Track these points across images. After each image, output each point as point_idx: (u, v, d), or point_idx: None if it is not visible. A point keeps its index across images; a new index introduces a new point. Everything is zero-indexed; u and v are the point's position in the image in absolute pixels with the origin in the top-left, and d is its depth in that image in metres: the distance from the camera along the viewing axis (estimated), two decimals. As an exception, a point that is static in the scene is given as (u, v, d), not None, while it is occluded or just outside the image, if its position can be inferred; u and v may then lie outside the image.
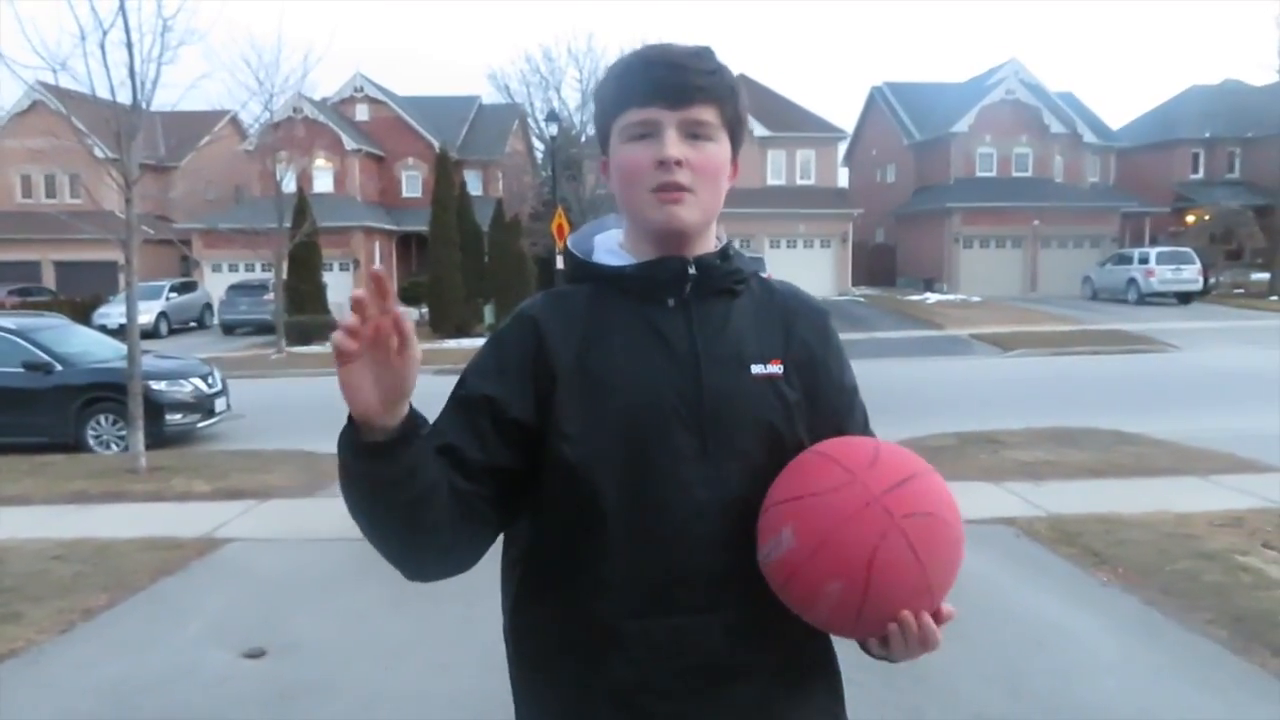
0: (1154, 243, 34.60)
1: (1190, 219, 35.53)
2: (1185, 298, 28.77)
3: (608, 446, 1.23)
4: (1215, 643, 4.14)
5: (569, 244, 1.42)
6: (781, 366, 1.31)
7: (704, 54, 1.29)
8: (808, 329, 1.37)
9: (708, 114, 1.26)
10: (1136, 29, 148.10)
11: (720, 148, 1.29)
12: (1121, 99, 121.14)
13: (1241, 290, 31.74)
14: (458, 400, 1.29)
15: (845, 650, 1.38)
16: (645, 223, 1.30)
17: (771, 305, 1.37)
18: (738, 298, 1.35)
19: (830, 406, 1.36)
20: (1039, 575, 5.19)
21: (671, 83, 1.24)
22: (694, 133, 1.26)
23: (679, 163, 1.24)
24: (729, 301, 1.33)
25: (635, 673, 1.23)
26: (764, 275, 1.43)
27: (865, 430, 1.40)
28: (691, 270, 1.30)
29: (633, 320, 1.30)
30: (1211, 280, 30.56)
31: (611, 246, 1.38)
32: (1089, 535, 5.72)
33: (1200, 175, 40.12)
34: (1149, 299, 28.86)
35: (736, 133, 1.32)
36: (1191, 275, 28.76)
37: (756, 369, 1.29)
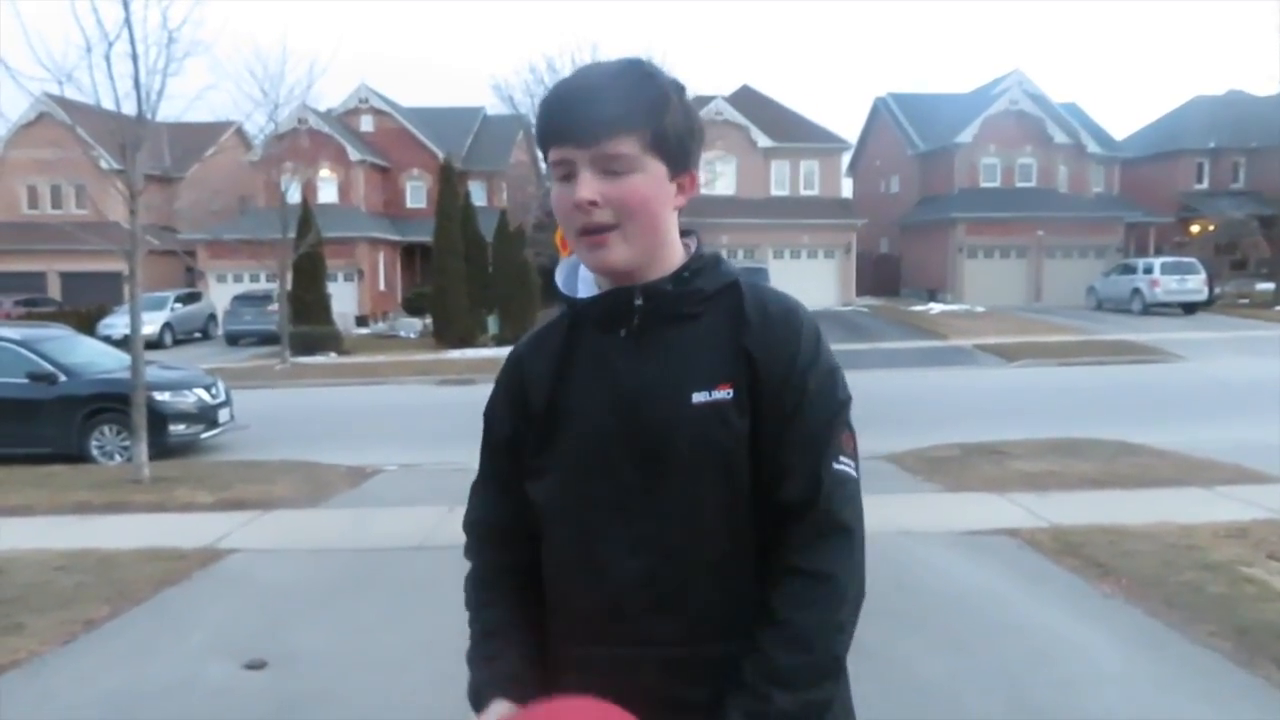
0: (1158, 253, 34.57)
1: (1195, 229, 35.54)
2: (1190, 308, 28.69)
3: (560, 479, 1.27)
4: (1219, 655, 4.11)
5: (556, 273, 1.39)
6: (731, 390, 1.22)
7: (621, 75, 1.22)
8: (753, 334, 1.25)
9: (623, 146, 1.18)
10: (1141, 40, 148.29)
11: (646, 177, 1.21)
12: (1126, 109, 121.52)
13: (1246, 300, 31.69)
14: (488, 447, 1.40)
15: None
16: (583, 263, 1.30)
17: (732, 321, 1.27)
18: (697, 320, 1.27)
19: (770, 409, 1.23)
20: (1042, 586, 5.17)
21: (578, 121, 1.19)
22: (610, 168, 1.19)
23: (594, 203, 1.19)
24: (683, 327, 1.27)
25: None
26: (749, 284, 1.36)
27: (820, 445, 1.23)
28: (638, 301, 1.26)
29: (592, 353, 1.30)
30: (1216, 290, 30.48)
31: (587, 275, 1.36)
32: (1092, 546, 5.69)
33: (1205, 185, 40.10)
34: (1153, 309, 28.80)
35: (672, 152, 1.23)
36: (1196, 285, 28.71)
37: (699, 397, 1.21)
